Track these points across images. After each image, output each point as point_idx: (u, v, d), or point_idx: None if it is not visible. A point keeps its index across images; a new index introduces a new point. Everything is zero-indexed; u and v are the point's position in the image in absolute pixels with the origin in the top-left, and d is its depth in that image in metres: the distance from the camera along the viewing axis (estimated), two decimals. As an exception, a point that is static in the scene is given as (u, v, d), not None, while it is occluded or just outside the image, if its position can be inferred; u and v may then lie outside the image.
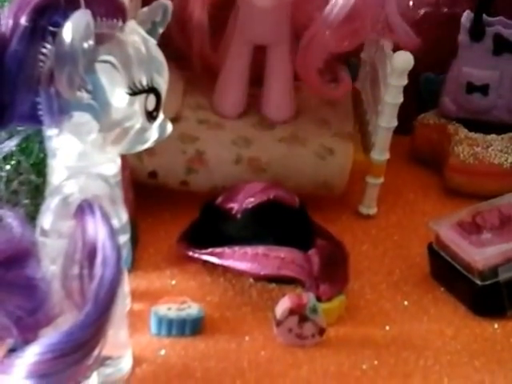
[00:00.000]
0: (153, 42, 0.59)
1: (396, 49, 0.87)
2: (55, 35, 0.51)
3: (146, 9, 0.61)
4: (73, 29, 0.50)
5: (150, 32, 0.59)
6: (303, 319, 0.72)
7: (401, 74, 0.84)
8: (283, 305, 0.72)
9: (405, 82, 0.85)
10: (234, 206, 0.81)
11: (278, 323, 0.72)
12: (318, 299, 0.74)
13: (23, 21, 0.48)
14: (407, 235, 0.89)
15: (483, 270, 0.78)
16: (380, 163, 0.89)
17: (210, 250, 0.79)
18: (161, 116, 0.60)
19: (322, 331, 0.73)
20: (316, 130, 0.90)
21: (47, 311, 0.46)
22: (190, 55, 0.92)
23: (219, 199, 0.83)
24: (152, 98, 0.58)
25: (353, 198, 0.91)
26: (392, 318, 0.78)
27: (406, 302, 0.80)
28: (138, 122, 0.58)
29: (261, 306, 0.77)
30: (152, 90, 0.57)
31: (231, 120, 0.90)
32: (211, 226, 0.82)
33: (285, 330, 0.72)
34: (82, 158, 0.59)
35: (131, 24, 0.57)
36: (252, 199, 0.81)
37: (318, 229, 0.84)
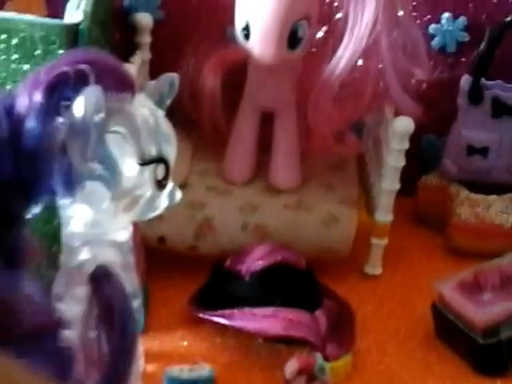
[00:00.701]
0: (161, 113, 0.61)
1: (397, 113, 0.89)
2: (67, 109, 0.52)
3: (153, 82, 0.64)
4: (85, 104, 0.52)
5: (158, 103, 0.61)
6: (311, 379, 0.73)
7: (402, 138, 0.86)
8: (292, 365, 0.73)
9: (406, 145, 0.87)
10: (243, 269, 0.82)
11: (287, 383, 0.73)
12: (326, 359, 0.75)
13: (38, 98, 0.49)
14: (412, 295, 0.89)
15: (485, 328, 0.79)
16: (384, 224, 0.90)
17: (219, 311, 0.80)
18: (170, 184, 0.62)
19: None
20: (321, 197, 0.91)
21: (76, 377, 0.47)
22: (200, 123, 0.94)
23: (228, 262, 0.84)
24: (161, 168, 0.60)
25: (358, 258, 0.92)
26: (397, 375, 0.79)
27: (411, 361, 0.81)
28: (148, 190, 0.60)
29: (270, 366, 0.78)
30: (161, 159, 0.60)
31: (239, 187, 0.91)
32: (221, 288, 0.83)
33: None
34: (94, 226, 0.60)
35: (139, 96, 0.60)
36: (260, 262, 0.82)
37: (325, 290, 0.85)
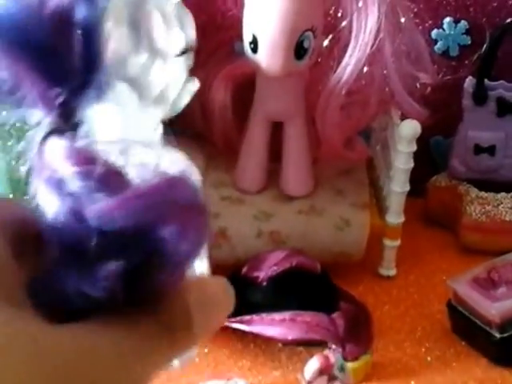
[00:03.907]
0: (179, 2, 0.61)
1: (404, 117, 0.90)
2: None
3: None
4: None
5: None
6: (332, 379, 0.74)
7: (409, 141, 0.87)
8: (312, 366, 0.74)
9: (414, 148, 0.87)
10: (260, 275, 0.83)
11: (309, 383, 0.74)
12: (345, 359, 0.76)
13: None
14: (426, 293, 0.90)
15: (501, 322, 0.80)
16: (395, 226, 0.91)
17: (239, 318, 0.81)
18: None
19: None
20: (333, 202, 0.91)
21: None
22: (212, 136, 0.95)
23: (244, 269, 0.85)
24: (191, 55, 0.60)
25: (372, 260, 0.92)
26: (416, 373, 0.80)
27: (429, 358, 0.82)
28: (179, 83, 0.60)
29: (290, 369, 0.79)
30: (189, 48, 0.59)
31: (252, 195, 0.92)
32: (239, 294, 0.84)
33: None
34: (125, 130, 0.56)
35: None
36: (276, 267, 0.83)
37: (341, 292, 0.86)
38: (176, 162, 0.58)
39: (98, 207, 0.37)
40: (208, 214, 0.39)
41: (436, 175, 1.03)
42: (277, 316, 0.80)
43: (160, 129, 0.61)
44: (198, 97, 0.93)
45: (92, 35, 0.42)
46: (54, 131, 0.39)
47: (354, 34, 0.86)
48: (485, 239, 0.96)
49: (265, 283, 0.83)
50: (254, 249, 0.88)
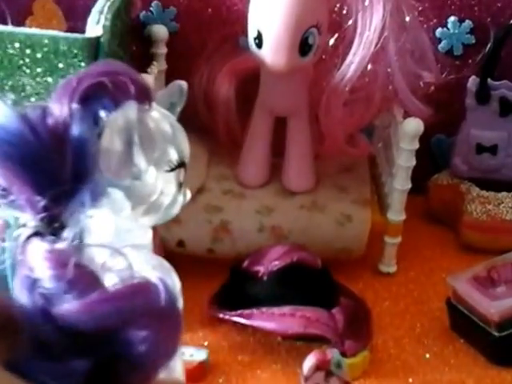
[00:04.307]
0: (173, 118, 0.62)
1: (407, 115, 0.90)
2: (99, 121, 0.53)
3: (163, 90, 0.65)
4: (126, 119, 0.54)
5: (169, 111, 0.63)
6: (329, 374, 0.73)
7: (412, 139, 0.87)
8: (309, 361, 0.73)
9: (416, 146, 0.88)
10: (260, 269, 0.84)
11: (306, 379, 0.73)
12: (344, 355, 0.76)
13: (76, 106, 0.48)
14: (426, 291, 0.91)
15: (500, 321, 0.80)
16: (397, 223, 0.91)
17: (239, 311, 0.81)
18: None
19: None
20: (335, 198, 0.92)
21: None
22: (216, 130, 0.95)
23: (245, 263, 0.85)
24: (182, 171, 0.61)
25: (372, 256, 0.93)
26: (415, 370, 0.80)
27: (427, 355, 0.82)
28: (171, 194, 0.62)
29: (289, 363, 0.80)
30: (182, 163, 0.61)
31: (254, 189, 0.92)
32: (239, 288, 0.85)
33: None
34: (117, 233, 0.60)
35: (156, 106, 0.60)
36: (277, 262, 0.83)
37: (341, 288, 0.86)
38: (159, 268, 0.60)
39: (65, 308, 0.39)
40: (181, 321, 0.41)
41: (438, 173, 1.03)
42: (277, 310, 0.80)
43: (150, 234, 0.63)
44: (202, 91, 0.95)
45: (83, 151, 0.46)
46: (37, 233, 0.43)
47: (358, 32, 0.87)
48: (485, 238, 0.96)
49: (265, 278, 0.83)
50: (255, 243, 0.88)
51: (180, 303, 0.61)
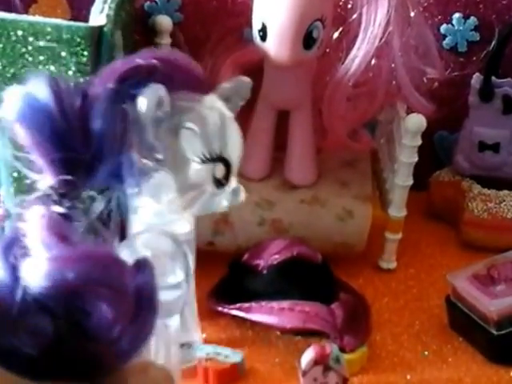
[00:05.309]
0: (230, 115, 0.63)
1: (410, 110, 0.90)
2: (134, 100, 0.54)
3: (227, 84, 0.65)
4: (146, 100, 0.54)
5: (229, 105, 0.64)
6: (327, 369, 0.73)
7: (414, 135, 0.87)
8: (308, 356, 0.73)
9: (419, 142, 0.88)
10: (260, 263, 0.84)
11: (304, 373, 0.73)
12: (342, 350, 0.76)
13: (110, 85, 0.51)
14: (426, 288, 0.91)
15: (498, 319, 0.80)
16: (398, 220, 0.91)
17: (238, 305, 0.82)
18: (234, 183, 0.64)
19: (345, 381, 0.74)
20: (336, 193, 0.91)
21: None
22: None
23: (245, 256, 0.86)
24: (221, 167, 0.62)
25: (373, 252, 0.92)
26: (413, 367, 0.80)
27: (425, 352, 0.82)
28: (209, 187, 0.62)
29: (287, 358, 0.79)
30: (221, 159, 0.62)
31: (255, 183, 0.92)
32: (239, 282, 0.85)
33: (310, 379, 0.73)
34: (157, 217, 0.61)
35: (211, 97, 0.62)
36: (277, 256, 0.83)
37: (341, 283, 0.86)
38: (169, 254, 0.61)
39: (31, 262, 0.40)
40: (151, 311, 0.42)
41: (439, 170, 1.03)
42: (276, 304, 0.81)
43: (189, 224, 0.65)
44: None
45: (107, 130, 0.48)
46: (44, 197, 0.45)
47: (363, 27, 0.87)
48: (486, 236, 0.96)
49: (265, 271, 0.83)
50: (255, 236, 0.88)
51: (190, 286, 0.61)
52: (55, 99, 0.46)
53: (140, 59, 0.54)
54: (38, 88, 0.46)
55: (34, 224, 0.43)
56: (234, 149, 0.63)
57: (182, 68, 0.58)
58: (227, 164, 0.63)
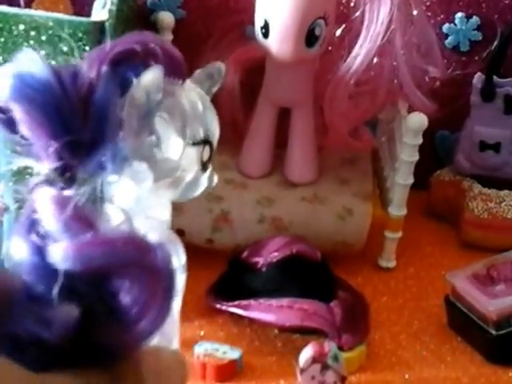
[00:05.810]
0: (207, 98, 0.63)
1: (411, 109, 0.90)
2: (130, 84, 0.53)
3: (200, 70, 0.65)
4: (148, 82, 0.53)
5: (205, 90, 0.63)
6: (325, 367, 0.73)
7: (416, 133, 0.87)
8: (306, 353, 0.74)
9: (420, 141, 0.87)
10: (259, 260, 0.84)
11: (302, 371, 0.74)
12: (341, 349, 0.76)
13: (105, 69, 0.49)
14: (425, 287, 0.91)
15: (497, 320, 0.80)
16: (398, 218, 0.91)
17: (236, 302, 0.82)
18: (210, 167, 0.63)
19: (343, 379, 0.74)
20: (336, 191, 0.91)
21: None
22: (219, 118, 0.95)
23: (245, 253, 0.85)
24: (207, 150, 0.61)
25: (372, 251, 0.93)
26: (411, 366, 0.80)
27: (424, 352, 0.82)
28: (193, 171, 0.61)
29: (285, 355, 0.80)
30: (207, 141, 0.61)
31: (255, 180, 0.92)
32: (237, 279, 0.85)
33: (308, 377, 0.74)
34: (137, 203, 0.60)
35: (188, 82, 0.61)
36: (276, 253, 0.83)
37: (340, 281, 0.86)
38: (166, 239, 0.60)
39: (56, 247, 0.40)
40: (173, 287, 0.42)
41: (440, 169, 1.03)
42: (274, 302, 0.80)
43: (168, 212, 0.63)
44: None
45: (106, 113, 0.46)
46: (48, 181, 0.44)
47: (365, 25, 0.87)
48: (486, 236, 0.96)
49: (264, 269, 0.83)
50: (255, 234, 0.88)
51: (180, 277, 0.61)
52: (55, 76, 0.44)
53: (127, 43, 0.53)
54: (35, 65, 0.45)
55: (51, 207, 0.42)
56: (215, 132, 0.63)
57: (165, 52, 0.57)
58: (211, 147, 0.62)
